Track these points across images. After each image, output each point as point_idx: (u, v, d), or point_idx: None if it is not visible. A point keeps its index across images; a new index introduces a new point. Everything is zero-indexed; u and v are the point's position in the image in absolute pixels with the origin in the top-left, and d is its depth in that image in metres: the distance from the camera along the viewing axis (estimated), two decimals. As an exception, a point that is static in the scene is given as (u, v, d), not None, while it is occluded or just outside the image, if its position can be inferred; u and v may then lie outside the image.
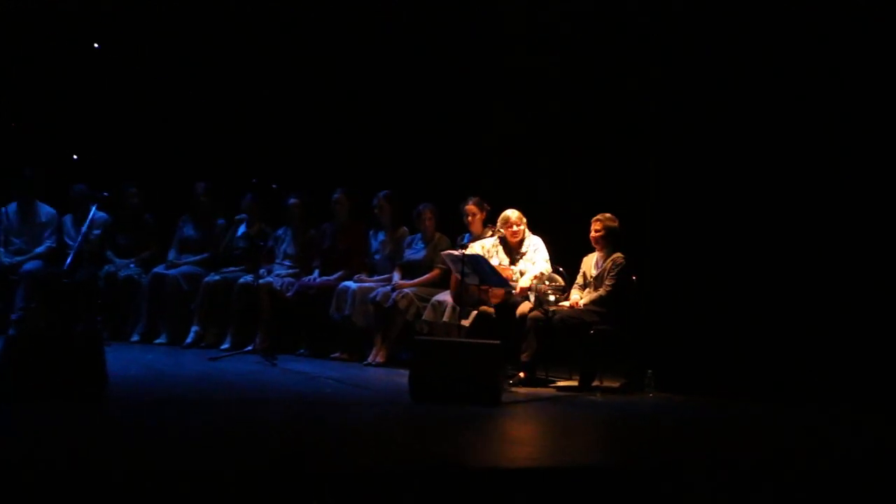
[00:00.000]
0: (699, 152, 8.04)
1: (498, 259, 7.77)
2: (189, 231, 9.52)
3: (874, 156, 7.41)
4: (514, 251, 7.85)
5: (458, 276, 7.27)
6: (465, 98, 9.57)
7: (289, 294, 8.78)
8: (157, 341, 9.04)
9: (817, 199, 7.57)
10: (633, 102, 8.53)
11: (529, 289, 7.54)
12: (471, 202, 8.22)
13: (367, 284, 8.58)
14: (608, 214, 7.62)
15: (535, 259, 7.77)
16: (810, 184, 7.58)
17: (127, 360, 7.69)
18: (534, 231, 7.91)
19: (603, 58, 8.78)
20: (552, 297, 7.47)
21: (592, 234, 7.62)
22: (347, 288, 8.55)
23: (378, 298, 8.33)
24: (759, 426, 6.36)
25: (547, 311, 7.45)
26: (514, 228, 7.78)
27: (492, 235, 7.90)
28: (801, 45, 7.57)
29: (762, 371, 7.44)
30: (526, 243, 7.83)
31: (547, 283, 7.61)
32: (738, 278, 7.78)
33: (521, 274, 7.71)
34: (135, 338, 9.10)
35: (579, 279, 7.78)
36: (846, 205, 7.46)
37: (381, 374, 7.84)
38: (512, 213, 7.82)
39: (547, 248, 7.86)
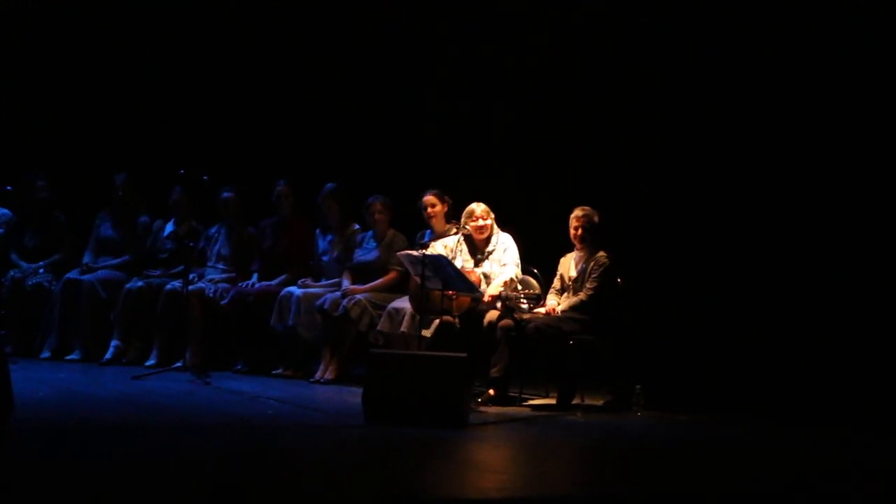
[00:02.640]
0: (690, 142, 8.13)
1: (461, 260, 7.76)
2: (107, 230, 9.44)
3: (882, 155, 7.55)
4: (478, 250, 7.86)
5: (418, 280, 7.26)
6: (424, 78, 9.59)
7: (223, 302, 8.75)
8: (71, 358, 8.96)
9: (823, 196, 7.68)
10: (618, 85, 8.59)
11: (499, 297, 7.55)
12: (430, 194, 8.23)
13: (313, 290, 8.56)
14: (589, 208, 7.64)
15: (504, 259, 7.78)
16: (817, 179, 7.70)
17: (35, 379, 7.61)
18: (503, 227, 7.93)
19: (584, 40, 8.85)
20: (525, 306, 7.47)
21: (572, 230, 7.64)
22: (291, 294, 8.52)
23: (326, 306, 8.30)
24: (763, 449, 6.39)
25: (520, 319, 7.46)
26: (481, 223, 7.78)
27: (456, 233, 7.90)
28: (798, 37, 7.73)
29: (765, 386, 7.50)
30: (493, 241, 7.84)
31: (519, 288, 7.61)
32: (736, 281, 7.86)
33: (486, 277, 7.71)
34: (45, 354, 9.02)
35: (556, 282, 7.79)
36: (852, 205, 7.59)
37: (330, 392, 7.82)
38: (477, 207, 7.82)
39: (518, 246, 7.87)
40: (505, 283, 7.61)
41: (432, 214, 8.23)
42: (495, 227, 7.87)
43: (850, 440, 6.70)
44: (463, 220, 7.85)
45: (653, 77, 8.28)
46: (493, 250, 7.84)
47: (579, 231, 7.60)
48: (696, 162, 8.10)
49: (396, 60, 9.75)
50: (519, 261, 7.82)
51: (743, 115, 7.94)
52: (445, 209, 8.22)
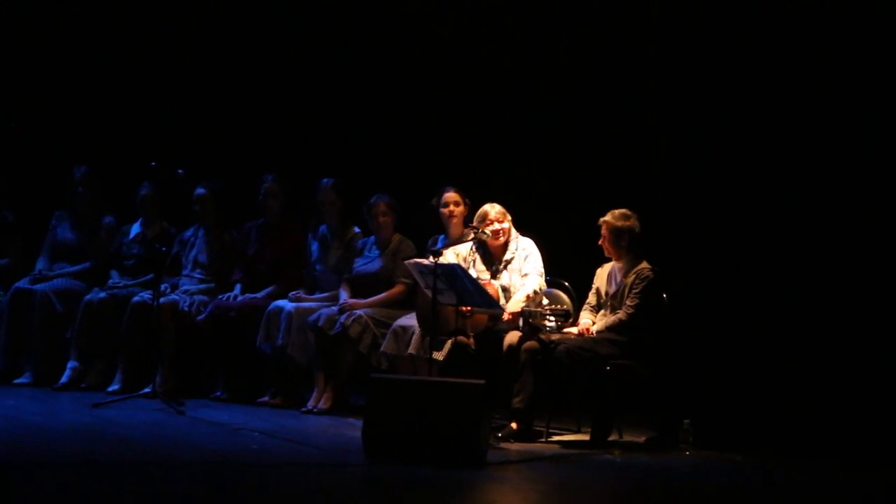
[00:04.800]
0: (751, 136, 8.14)
1: (474, 271, 7.76)
2: (65, 232, 9.45)
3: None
4: (495, 259, 7.86)
5: (428, 294, 7.23)
6: (433, 59, 9.60)
7: (200, 317, 8.74)
8: (20, 381, 8.96)
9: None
10: (652, 69, 8.62)
11: (521, 313, 7.52)
12: (451, 190, 8.21)
13: (306, 305, 8.56)
14: (620, 211, 7.61)
15: (526, 269, 7.77)
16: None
17: (-22, 407, 7.64)
18: (526, 232, 7.91)
19: (614, 20, 8.88)
20: (552, 324, 7.44)
21: (601, 239, 7.64)
22: (280, 309, 8.52)
23: (321, 323, 8.30)
24: (831, 496, 6.37)
25: (547, 341, 7.43)
26: (496, 227, 7.77)
27: (473, 238, 7.87)
28: (834, 32, 7.79)
29: (834, 422, 7.48)
30: (512, 248, 7.84)
31: (544, 303, 7.59)
32: (801, 299, 7.86)
33: (505, 291, 7.70)
34: (-10, 377, 9.04)
35: (591, 298, 7.80)
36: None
37: (325, 424, 7.82)
38: (491, 208, 7.83)
39: (544, 254, 7.86)
40: (527, 296, 7.58)
41: (453, 214, 8.18)
42: (513, 231, 7.85)
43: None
44: (475, 223, 7.84)
45: (707, 68, 8.32)
46: (511, 259, 7.84)
47: (604, 241, 7.59)
48: (759, 158, 8.11)
49: (401, 38, 9.76)
50: (543, 270, 7.81)
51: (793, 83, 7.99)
52: (465, 211, 8.21)
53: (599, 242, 7.62)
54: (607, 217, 7.59)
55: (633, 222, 7.58)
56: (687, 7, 8.49)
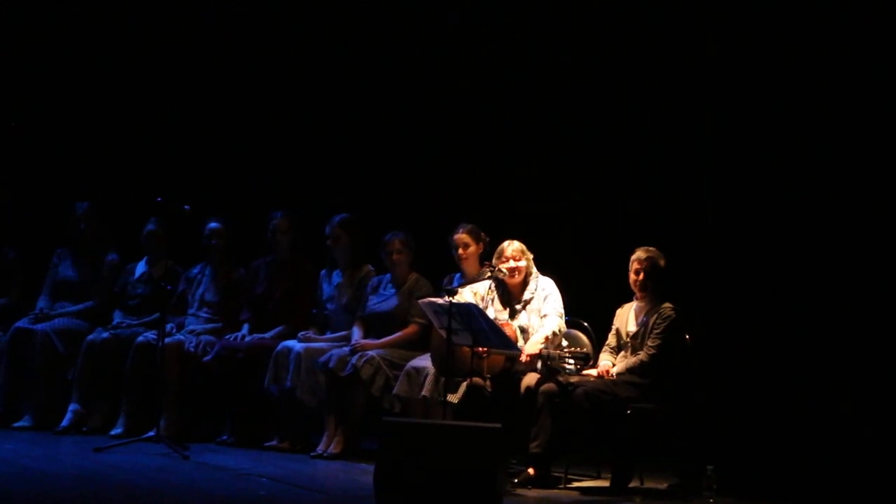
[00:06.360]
0: (775, 166, 8.12)
1: (492, 310, 7.77)
2: (67, 270, 9.50)
3: None
4: (513, 298, 7.86)
5: (443, 334, 7.25)
6: (450, 89, 9.61)
7: (206, 358, 8.75)
8: (20, 425, 8.99)
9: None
10: (682, 97, 8.60)
11: (539, 355, 7.52)
12: (462, 231, 8.22)
13: (316, 345, 8.57)
14: (653, 249, 7.62)
15: (545, 309, 7.76)
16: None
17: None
18: (546, 271, 7.91)
19: (641, 36, 8.87)
20: (571, 367, 7.44)
21: (633, 275, 7.63)
22: (289, 350, 8.53)
23: (332, 365, 8.30)
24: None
25: (565, 383, 7.43)
26: (513, 265, 7.77)
27: (490, 277, 7.86)
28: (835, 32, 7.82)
29: (865, 468, 7.45)
30: (531, 287, 7.84)
31: (564, 345, 7.59)
32: (830, 340, 7.83)
33: (523, 331, 7.70)
34: (-12, 420, 9.07)
35: (611, 339, 7.80)
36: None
37: (335, 469, 7.83)
38: (508, 245, 7.82)
39: (563, 294, 7.85)
40: (546, 338, 7.58)
41: (464, 257, 8.20)
42: (534, 270, 7.86)
43: None
44: (494, 261, 7.84)
45: (720, 67, 8.32)
46: (530, 298, 7.82)
47: (641, 276, 7.59)
48: (774, 185, 8.09)
49: (417, 67, 9.78)
50: (563, 311, 7.80)
51: (837, 111, 7.98)
52: (481, 249, 8.22)
53: (637, 278, 7.60)
54: (642, 254, 7.59)
55: (663, 262, 7.61)
56: (688, 7, 8.50)
